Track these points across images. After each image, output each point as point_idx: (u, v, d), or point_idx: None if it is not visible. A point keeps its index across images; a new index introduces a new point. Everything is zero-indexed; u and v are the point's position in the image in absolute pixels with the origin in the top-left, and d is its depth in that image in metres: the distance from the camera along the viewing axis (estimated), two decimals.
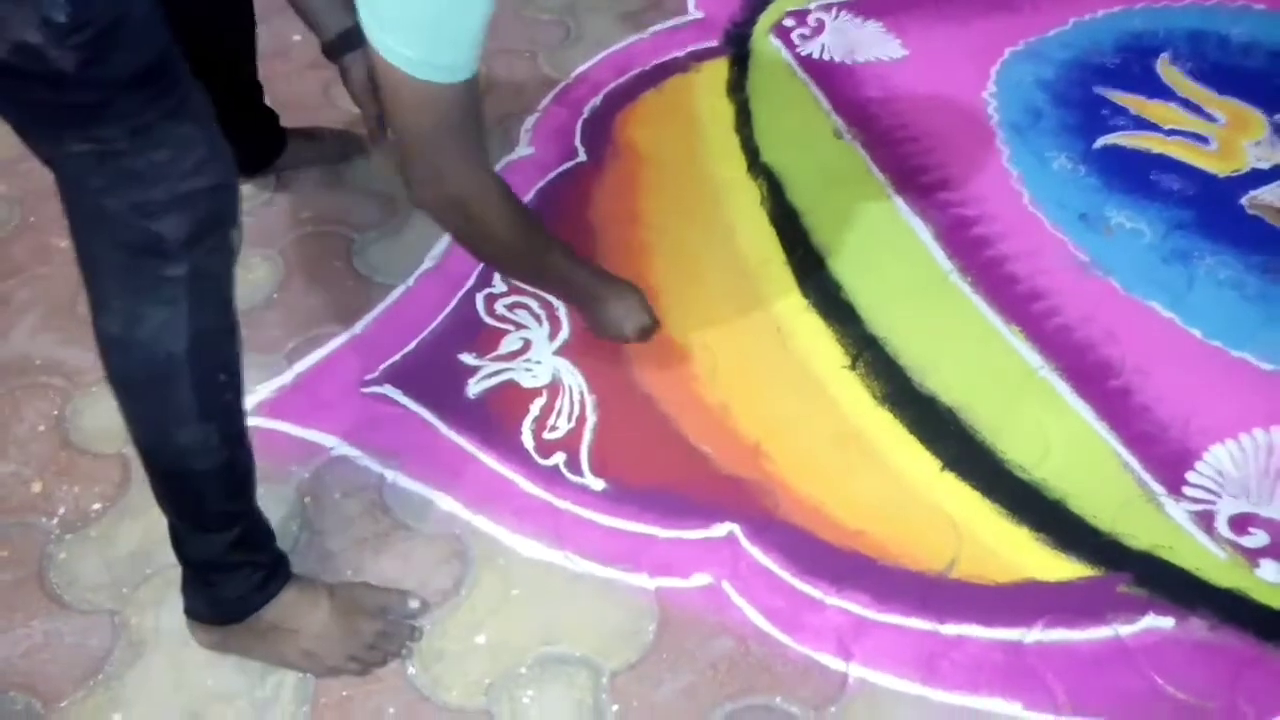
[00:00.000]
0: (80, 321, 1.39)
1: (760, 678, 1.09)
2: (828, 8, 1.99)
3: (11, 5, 0.70)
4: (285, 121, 1.58)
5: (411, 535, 1.20)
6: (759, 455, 1.28)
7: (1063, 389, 1.35)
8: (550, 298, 1.43)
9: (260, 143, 1.56)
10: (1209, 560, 1.20)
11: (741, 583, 1.16)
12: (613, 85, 1.81)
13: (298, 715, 1.05)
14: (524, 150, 1.68)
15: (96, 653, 1.09)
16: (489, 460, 1.27)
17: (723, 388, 1.35)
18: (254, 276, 1.46)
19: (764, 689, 1.08)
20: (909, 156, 1.68)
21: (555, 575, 1.17)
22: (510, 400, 1.33)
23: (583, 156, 1.67)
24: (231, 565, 1.01)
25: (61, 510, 1.21)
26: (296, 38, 1.82)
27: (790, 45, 1.90)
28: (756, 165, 1.65)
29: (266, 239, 1.52)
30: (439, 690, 1.08)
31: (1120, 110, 1.78)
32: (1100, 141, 1.72)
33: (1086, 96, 1.80)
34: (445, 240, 1.52)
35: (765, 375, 1.37)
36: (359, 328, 1.41)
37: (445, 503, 1.23)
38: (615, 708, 1.07)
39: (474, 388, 1.34)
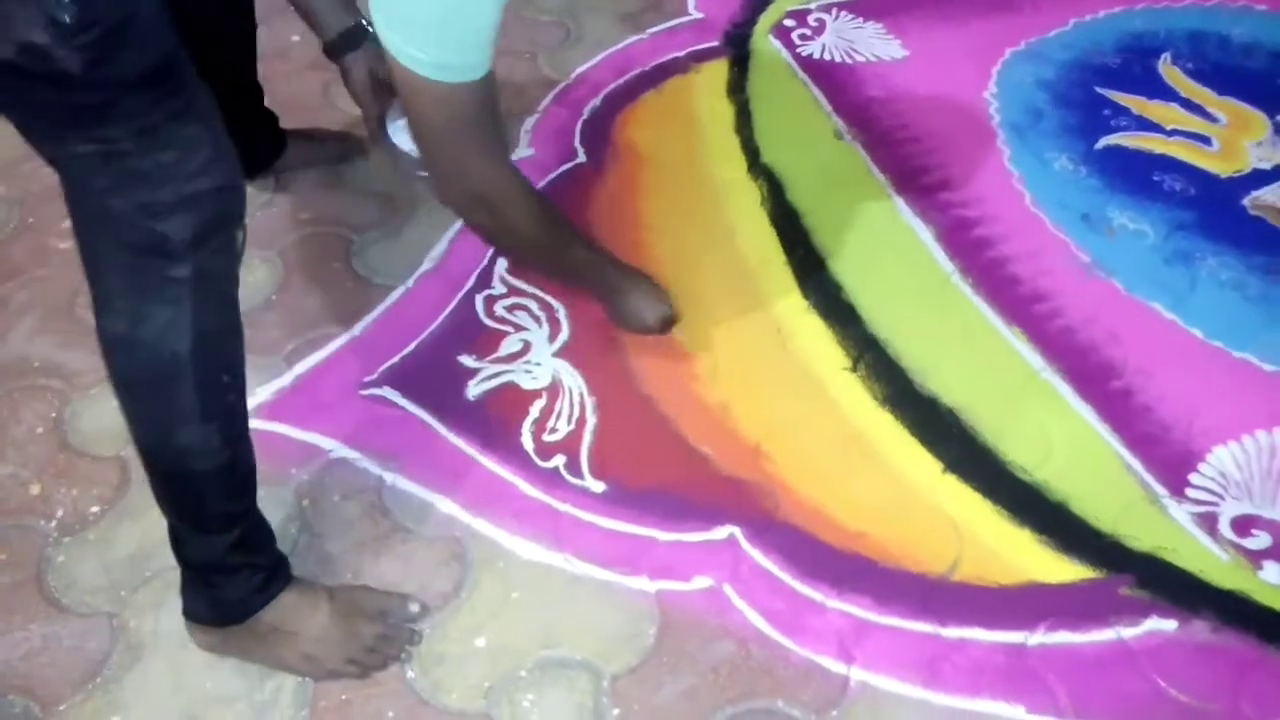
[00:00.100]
0: (79, 324, 1.39)
1: (761, 681, 1.09)
2: (828, 8, 1.99)
3: (17, 5, 0.70)
4: (285, 123, 1.57)
5: (411, 538, 1.19)
6: (759, 457, 1.27)
7: (1065, 390, 1.35)
8: (553, 300, 1.43)
9: (260, 144, 1.56)
10: (1212, 562, 1.19)
11: (742, 585, 1.16)
12: (612, 86, 1.80)
13: (296, 719, 1.05)
14: (524, 151, 1.67)
15: (95, 656, 1.09)
16: (489, 462, 1.26)
17: (723, 389, 1.34)
18: (253, 278, 1.46)
19: (765, 692, 1.08)
20: (910, 157, 1.67)
21: (555, 578, 1.16)
22: (510, 402, 1.32)
23: (582, 158, 1.67)
24: (232, 567, 1.01)
25: (60, 513, 1.20)
26: (296, 38, 1.82)
27: (790, 46, 1.90)
28: (757, 166, 1.65)
29: (266, 240, 1.51)
30: (439, 694, 1.07)
31: (1121, 111, 1.77)
32: (1102, 142, 1.72)
33: (1088, 97, 1.80)
34: (445, 241, 1.52)
35: (766, 376, 1.36)
36: (358, 329, 1.40)
37: (445, 505, 1.22)
38: (616, 711, 1.06)
39: (474, 390, 1.33)
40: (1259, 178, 1.66)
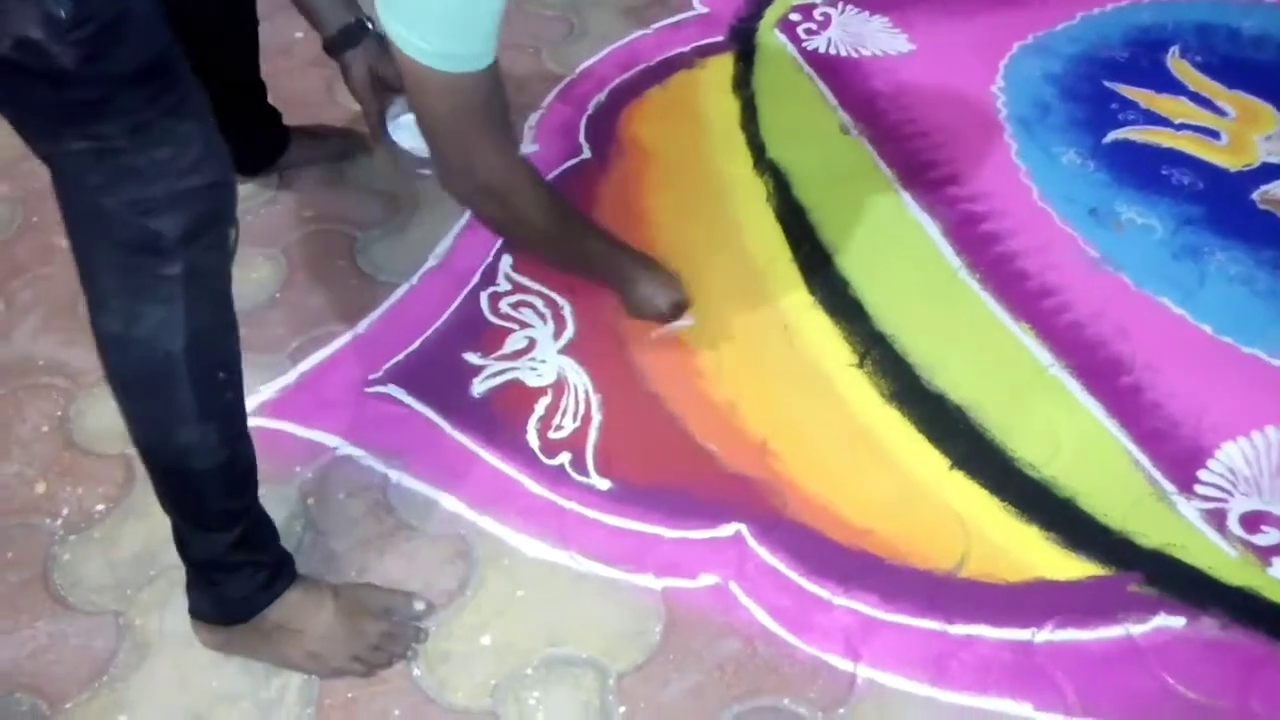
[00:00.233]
0: (83, 322, 1.35)
1: (768, 678, 1.08)
2: (834, 2, 1.98)
3: (13, 0, 0.70)
4: (288, 119, 1.57)
5: (416, 535, 1.19)
6: (766, 454, 1.27)
7: (1073, 386, 1.34)
8: (558, 297, 1.43)
9: (263, 141, 1.55)
10: (1220, 559, 1.19)
11: (749, 583, 1.15)
12: (617, 81, 1.80)
13: (302, 717, 1.05)
14: (528, 147, 1.67)
15: (101, 654, 1.09)
16: (494, 460, 1.26)
17: (729, 386, 1.34)
18: (257, 276, 1.46)
19: (772, 690, 1.07)
20: (916, 152, 1.67)
21: (561, 576, 1.16)
22: (515, 399, 1.32)
23: (587, 153, 1.66)
24: (234, 565, 1.01)
25: (65, 511, 1.21)
26: (299, 35, 1.82)
27: (796, 40, 1.89)
28: (762, 161, 1.65)
29: (269, 238, 1.51)
30: (444, 692, 1.07)
31: (1130, 104, 1.76)
32: (1110, 136, 1.71)
33: (1095, 91, 1.79)
34: (449, 238, 1.51)
35: (772, 373, 1.36)
36: (362, 327, 1.40)
37: (450, 503, 1.22)
38: (622, 709, 1.06)
39: (478, 387, 1.33)
40: (1268, 172, 1.65)
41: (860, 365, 1.37)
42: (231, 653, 1.08)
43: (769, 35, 1.90)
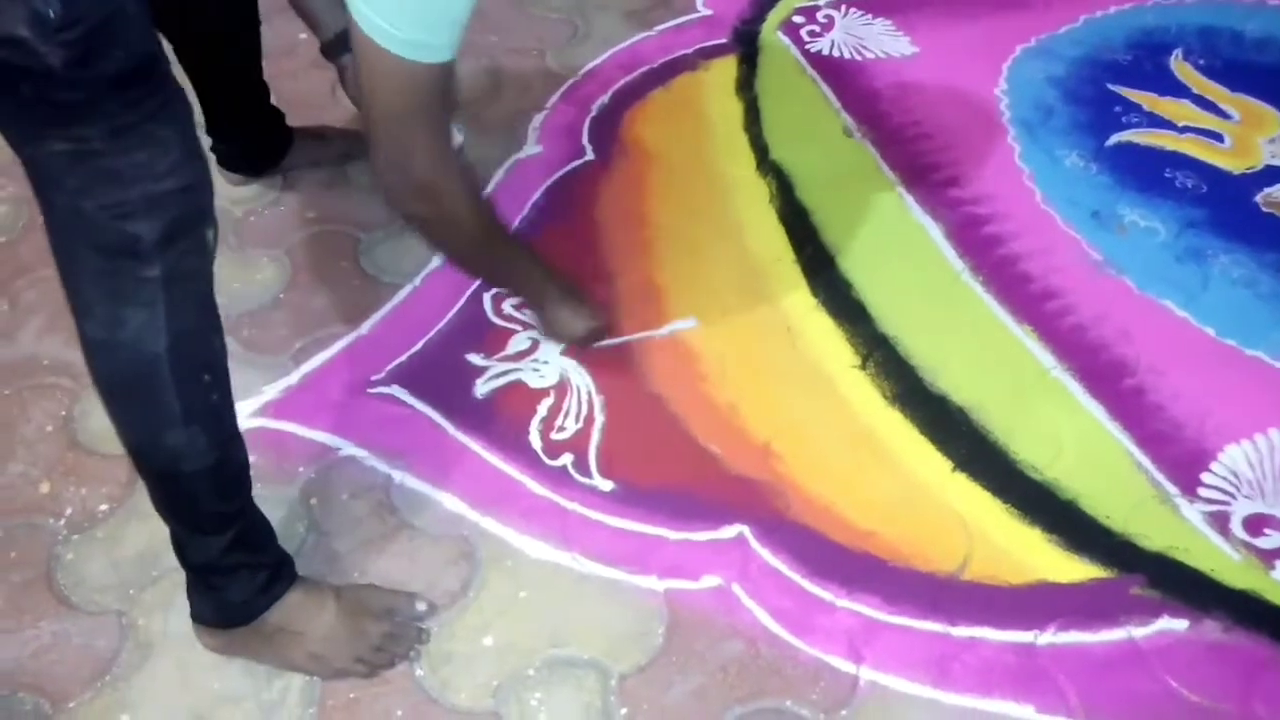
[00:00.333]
0: None
1: (770, 680, 1.08)
2: (837, 5, 1.98)
3: (3, 0, 0.70)
4: (291, 120, 1.57)
5: (418, 536, 1.19)
6: (769, 455, 1.27)
7: (1075, 389, 1.34)
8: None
9: (267, 142, 1.56)
10: (1223, 562, 1.19)
11: (751, 584, 1.15)
12: (620, 83, 1.80)
13: (304, 718, 1.05)
14: (532, 149, 1.67)
15: (104, 654, 1.09)
16: (496, 461, 1.26)
17: (732, 387, 1.34)
18: (260, 277, 1.46)
19: (774, 692, 1.07)
20: (919, 154, 1.67)
21: (563, 577, 1.16)
22: (518, 400, 1.32)
23: (590, 155, 1.66)
24: (231, 567, 1.01)
25: (69, 511, 1.21)
26: (302, 36, 1.81)
27: (799, 42, 1.89)
28: (765, 163, 1.65)
29: (273, 239, 1.51)
30: (447, 692, 1.07)
31: (1133, 107, 1.76)
32: (1113, 139, 1.71)
33: (1099, 94, 1.79)
34: None
35: (775, 375, 1.36)
36: (366, 328, 1.40)
37: (453, 503, 1.22)
38: (624, 710, 1.06)
39: (481, 388, 1.33)
40: (1271, 174, 1.65)
41: (863, 367, 1.37)
42: (233, 655, 1.08)
43: (772, 37, 1.90)
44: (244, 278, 1.45)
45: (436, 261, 1.48)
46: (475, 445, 1.27)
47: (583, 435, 1.29)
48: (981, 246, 1.52)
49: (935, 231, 1.54)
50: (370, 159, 1.08)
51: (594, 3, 1.98)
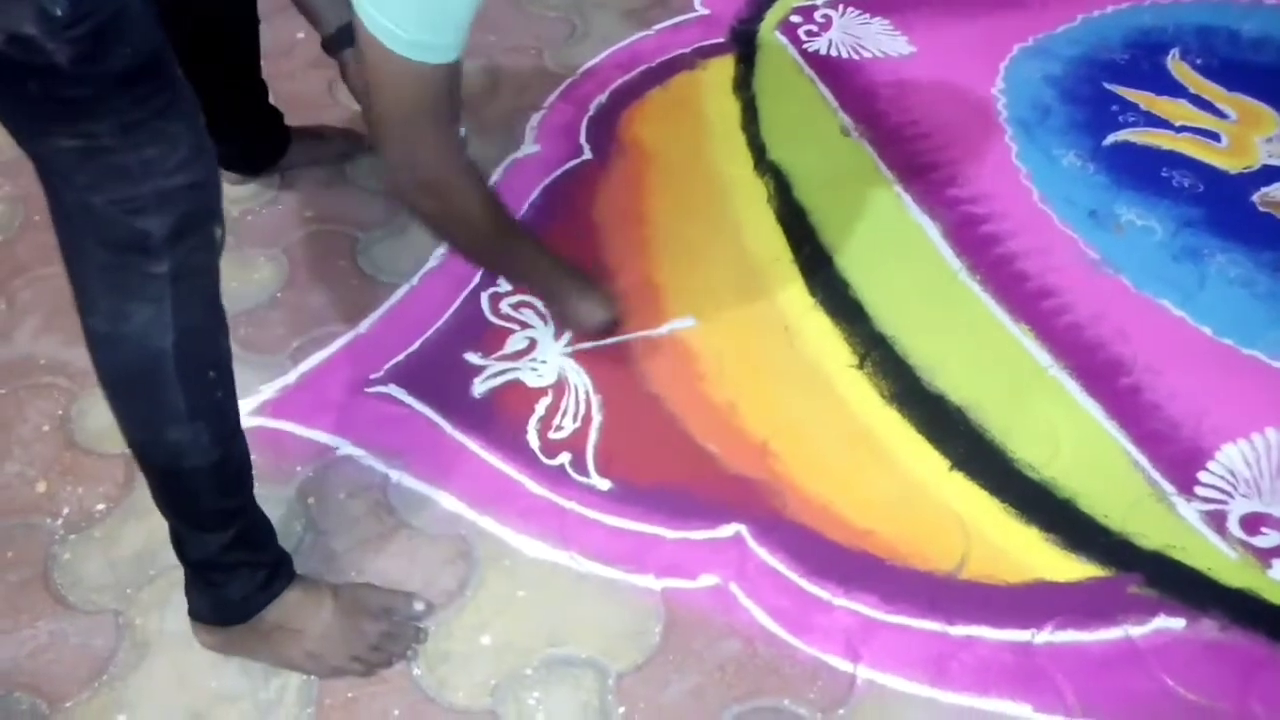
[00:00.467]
0: None
1: (768, 679, 1.08)
2: (834, 4, 1.98)
3: None
4: (289, 120, 1.57)
5: (416, 535, 1.19)
6: (766, 454, 1.27)
7: (1072, 387, 1.34)
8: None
9: (265, 142, 1.56)
10: (1220, 560, 1.19)
11: (749, 583, 1.15)
12: (618, 83, 1.80)
13: (302, 717, 1.05)
14: (529, 148, 1.67)
15: (101, 653, 1.09)
16: (494, 460, 1.26)
17: (730, 386, 1.34)
18: (258, 276, 1.46)
19: (772, 691, 1.07)
20: (917, 154, 1.67)
21: (561, 576, 1.16)
22: (515, 400, 1.32)
23: (588, 154, 1.66)
24: (230, 564, 1.01)
25: (66, 511, 1.21)
26: (300, 36, 1.82)
27: (797, 42, 1.89)
28: (763, 163, 1.65)
29: (271, 238, 1.51)
30: (444, 692, 1.07)
31: (1130, 106, 1.77)
32: (1110, 138, 1.71)
33: (1096, 93, 1.79)
34: None
35: (773, 374, 1.36)
36: (363, 327, 1.40)
37: (450, 503, 1.22)
38: (621, 709, 1.06)
39: (479, 387, 1.33)
40: (1269, 174, 1.65)
41: (860, 366, 1.37)
42: (230, 653, 1.07)
43: (770, 37, 1.90)
44: (241, 277, 1.45)
45: (434, 261, 1.49)
46: (473, 444, 1.27)
47: (580, 434, 1.29)
48: (979, 245, 1.52)
49: (933, 230, 1.55)
50: (378, 157, 1.08)
51: (592, 2, 1.98)
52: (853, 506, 1.22)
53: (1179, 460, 1.27)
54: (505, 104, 1.75)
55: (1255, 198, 1.62)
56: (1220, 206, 1.59)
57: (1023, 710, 1.07)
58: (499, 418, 1.30)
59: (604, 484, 1.24)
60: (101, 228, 0.82)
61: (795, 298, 1.45)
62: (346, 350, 1.37)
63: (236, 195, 1.56)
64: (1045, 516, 1.22)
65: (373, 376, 1.34)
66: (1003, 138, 1.70)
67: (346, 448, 1.27)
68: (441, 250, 1.50)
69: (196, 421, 0.91)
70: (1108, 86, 1.80)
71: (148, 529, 1.18)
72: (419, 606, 1.11)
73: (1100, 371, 1.36)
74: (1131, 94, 1.79)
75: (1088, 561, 1.18)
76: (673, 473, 1.25)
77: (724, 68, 1.83)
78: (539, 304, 1.42)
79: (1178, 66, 1.85)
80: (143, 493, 1.20)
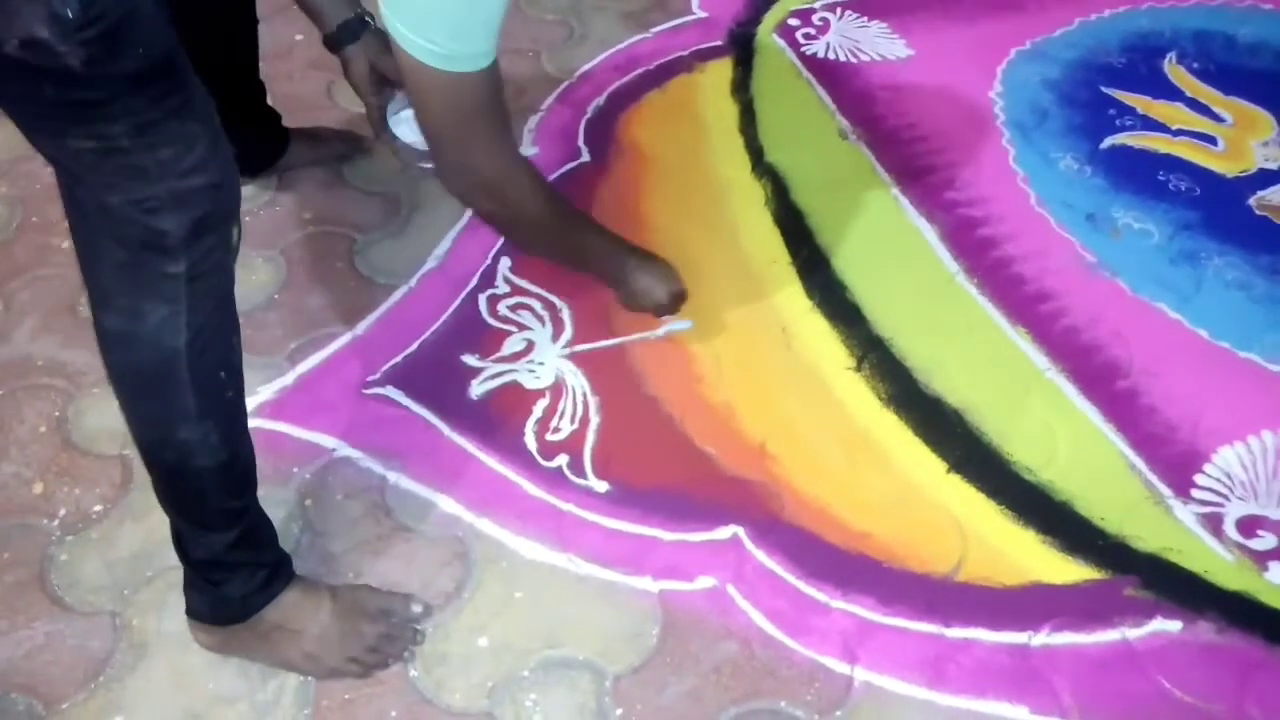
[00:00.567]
0: (82, 323, 1.39)
1: (765, 681, 1.08)
2: (832, 7, 1.99)
3: (21, 0, 0.70)
4: (287, 121, 1.57)
5: (414, 537, 1.19)
6: (764, 456, 1.27)
7: (1070, 390, 1.35)
8: (557, 299, 1.43)
9: (263, 143, 1.55)
10: (1217, 563, 1.19)
11: (746, 585, 1.16)
12: (616, 85, 1.80)
13: (299, 718, 1.05)
14: (527, 150, 1.67)
15: (98, 654, 1.09)
16: (491, 462, 1.26)
17: (727, 389, 1.34)
18: (256, 277, 1.46)
19: (769, 693, 1.08)
20: (915, 157, 1.67)
21: (558, 578, 1.16)
22: (513, 402, 1.32)
23: (586, 157, 1.66)
24: (232, 564, 1.01)
25: (62, 512, 1.20)
26: (299, 37, 1.82)
27: (795, 45, 1.89)
28: (761, 165, 1.65)
29: (268, 240, 1.51)
30: (441, 693, 1.07)
31: (1127, 110, 1.77)
32: (1107, 142, 1.71)
33: (1093, 97, 1.79)
34: (448, 241, 1.51)
35: (770, 376, 1.36)
36: (361, 329, 1.40)
37: (448, 504, 1.22)
38: (618, 711, 1.06)
39: (476, 389, 1.33)
40: (1265, 178, 1.66)
41: (858, 368, 1.37)
42: (228, 653, 1.07)
43: (768, 40, 1.90)
44: (239, 278, 1.40)
45: (432, 263, 1.49)
46: (470, 446, 1.27)
47: (578, 436, 1.29)
48: (976, 249, 1.52)
49: (930, 234, 1.55)
50: (435, 165, 1.11)
51: (590, 4, 1.98)
52: (850, 508, 1.22)
53: (1176, 463, 1.28)
54: (505, 95, 1.75)
55: (1252, 201, 1.62)
56: (1217, 210, 1.60)
57: (1019, 712, 1.07)
58: (497, 420, 1.30)
59: (601, 486, 1.24)
60: (118, 227, 0.83)
61: (793, 300, 1.45)
62: (344, 352, 1.37)
63: None
64: (1042, 519, 1.22)
65: (370, 378, 1.34)
66: (1000, 141, 1.70)
67: (344, 449, 1.27)
68: (439, 251, 1.50)
69: (206, 421, 0.91)
70: (1105, 90, 1.81)
71: (145, 530, 1.18)
72: (417, 609, 1.12)
73: (1097, 374, 1.36)
74: (1128, 98, 1.79)
75: (1084, 564, 1.18)
76: (670, 474, 1.25)
77: (722, 70, 1.84)
78: (537, 306, 1.43)
79: (1174, 70, 1.86)
80: (140, 494, 1.20)
